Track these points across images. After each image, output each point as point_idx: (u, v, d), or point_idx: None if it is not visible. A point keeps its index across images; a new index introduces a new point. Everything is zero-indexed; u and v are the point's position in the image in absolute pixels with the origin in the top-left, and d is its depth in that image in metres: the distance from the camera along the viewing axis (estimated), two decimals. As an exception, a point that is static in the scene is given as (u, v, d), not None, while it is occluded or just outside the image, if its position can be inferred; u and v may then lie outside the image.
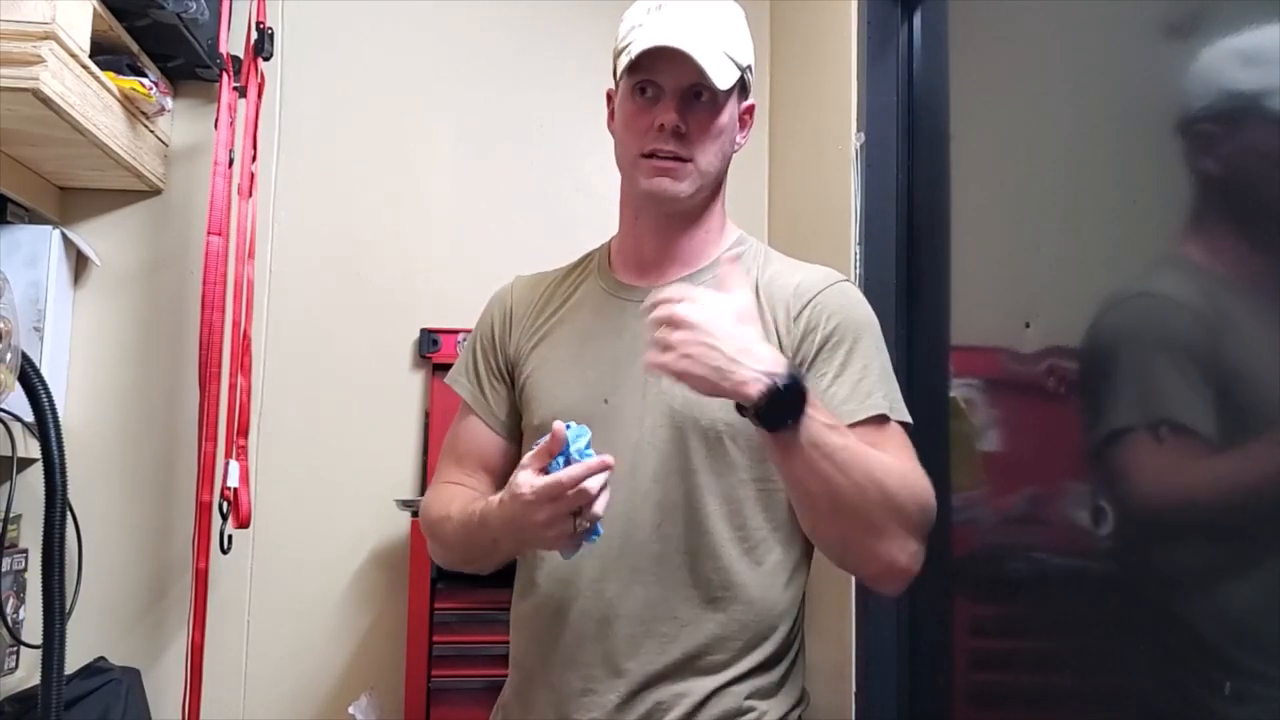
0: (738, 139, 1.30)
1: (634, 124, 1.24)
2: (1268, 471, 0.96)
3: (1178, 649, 1.09)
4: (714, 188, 1.29)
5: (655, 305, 1.07)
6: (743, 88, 1.27)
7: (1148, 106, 1.17)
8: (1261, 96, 1.00)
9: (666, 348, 1.04)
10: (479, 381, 1.38)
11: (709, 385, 1.03)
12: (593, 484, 1.07)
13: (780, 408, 1.03)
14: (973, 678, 1.61)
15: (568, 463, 1.08)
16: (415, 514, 1.99)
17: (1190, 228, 1.12)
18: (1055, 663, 1.32)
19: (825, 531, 1.18)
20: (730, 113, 1.26)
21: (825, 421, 1.07)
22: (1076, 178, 1.31)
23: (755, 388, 1.02)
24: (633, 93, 1.23)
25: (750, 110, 1.31)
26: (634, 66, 1.20)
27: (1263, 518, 0.97)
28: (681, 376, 1.04)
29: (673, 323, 1.04)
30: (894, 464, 1.14)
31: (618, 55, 1.25)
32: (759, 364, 1.03)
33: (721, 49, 1.20)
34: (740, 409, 1.06)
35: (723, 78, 1.19)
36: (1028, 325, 1.36)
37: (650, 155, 1.23)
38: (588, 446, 1.09)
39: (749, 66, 1.26)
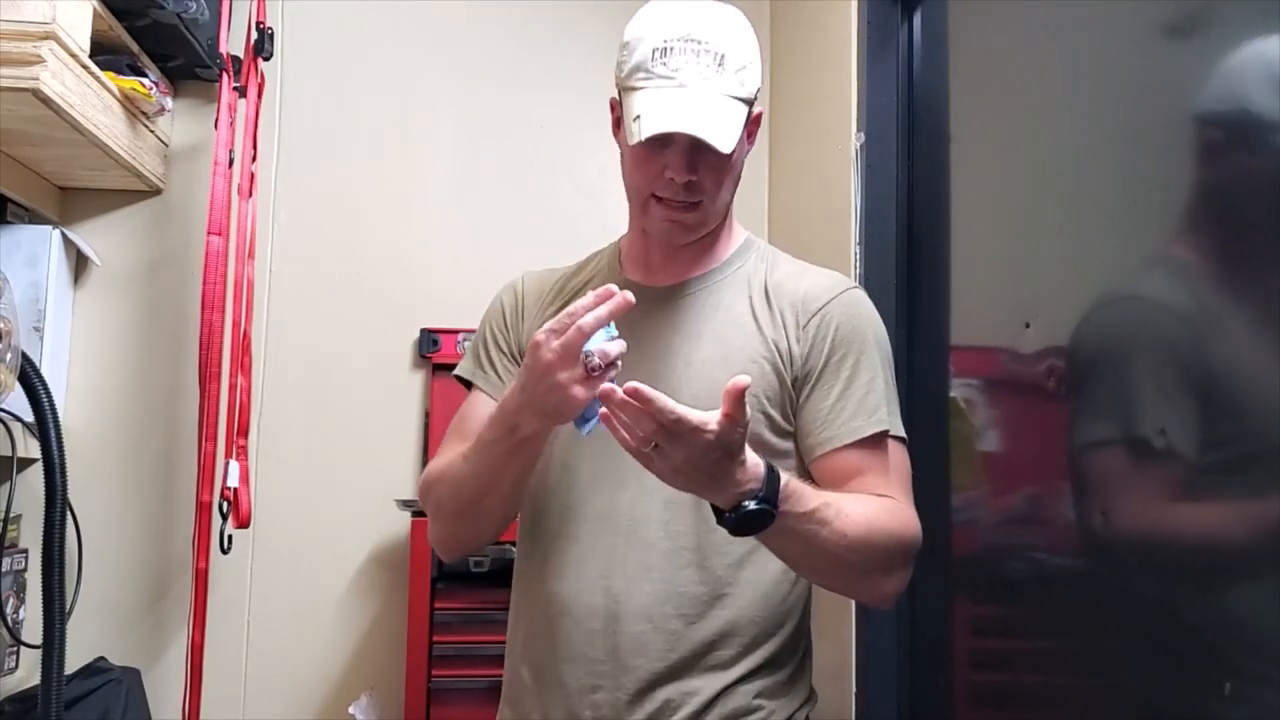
0: (746, 149, 1.28)
1: (644, 167, 1.22)
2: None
3: (1178, 649, 1.09)
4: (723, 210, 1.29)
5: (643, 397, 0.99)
6: (751, 101, 1.24)
7: (1148, 107, 1.17)
8: (1258, 99, 1.00)
9: (666, 455, 1.00)
10: (490, 361, 1.35)
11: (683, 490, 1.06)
12: (592, 318, 1.04)
13: (750, 523, 1.04)
14: (973, 678, 1.61)
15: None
16: (415, 514, 2.00)
17: (1189, 229, 1.12)
18: (1055, 663, 1.32)
19: (811, 580, 1.26)
20: (741, 148, 1.23)
21: (799, 512, 1.07)
22: (1076, 178, 1.31)
23: (730, 500, 1.03)
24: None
25: (757, 119, 1.29)
26: None
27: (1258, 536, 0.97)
28: (672, 485, 1.04)
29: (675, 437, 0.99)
30: (875, 517, 1.15)
31: (623, 81, 1.21)
32: (737, 487, 1.02)
33: (730, 94, 1.17)
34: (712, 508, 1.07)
35: (730, 137, 1.16)
36: (1028, 325, 1.37)
37: (661, 199, 1.22)
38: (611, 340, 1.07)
39: (758, 90, 1.22)
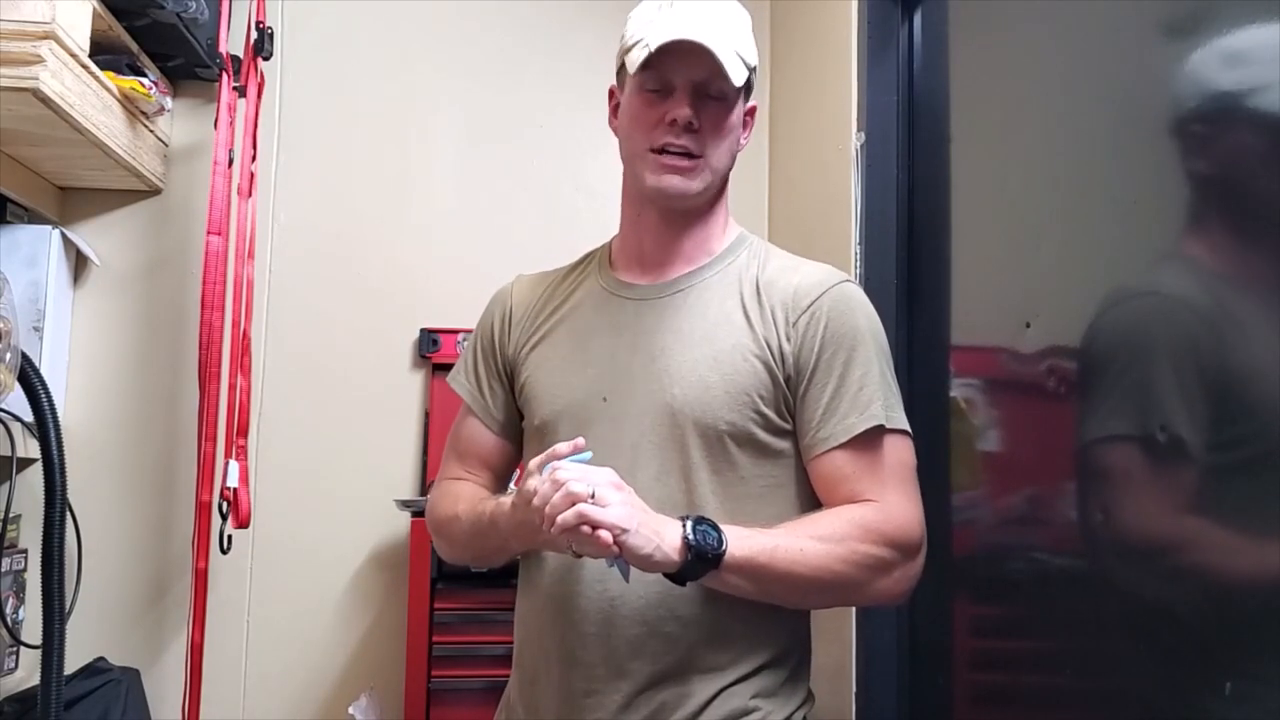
0: (741, 139, 1.30)
1: (643, 119, 1.24)
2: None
3: (1178, 649, 1.09)
4: (720, 185, 1.30)
5: (555, 480, 1.07)
6: (747, 89, 1.27)
7: (1148, 106, 1.17)
8: (1254, 96, 1.00)
9: (613, 526, 1.05)
10: (478, 382, 1.38)
11: (649, 562, 1.08)
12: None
13: (702, 536, 1.09)
14: (973, 678, 1.61)
15: None
16: (415, 514, 2.00)
17: (1191, 227, 1.12)
18: (1055, 663, 1.32)
19: (806, 606, 1.27)
20: (739, 111, 1.27)
21: (740, 534, 1.12)
22: (1076, 178, 1.31)
23: (680, 549, 1.08)
24: (642, 88, 1.23)
25: (752, 112, 1.31)
26: (647, 62, 1.20)
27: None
28: (634, 550, 1.07)
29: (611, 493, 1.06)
30: (849, 524, 1.16)
31: (626, 51, 1.24)
32: (672, 530, 1.09)
33: (733, 48, 1.21)
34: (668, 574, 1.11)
35: (736, 74, 1.21)
36: (1028, 325, 1.36)
37: (661, 150, 1.23)
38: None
39: (754, 69, 1.27)
